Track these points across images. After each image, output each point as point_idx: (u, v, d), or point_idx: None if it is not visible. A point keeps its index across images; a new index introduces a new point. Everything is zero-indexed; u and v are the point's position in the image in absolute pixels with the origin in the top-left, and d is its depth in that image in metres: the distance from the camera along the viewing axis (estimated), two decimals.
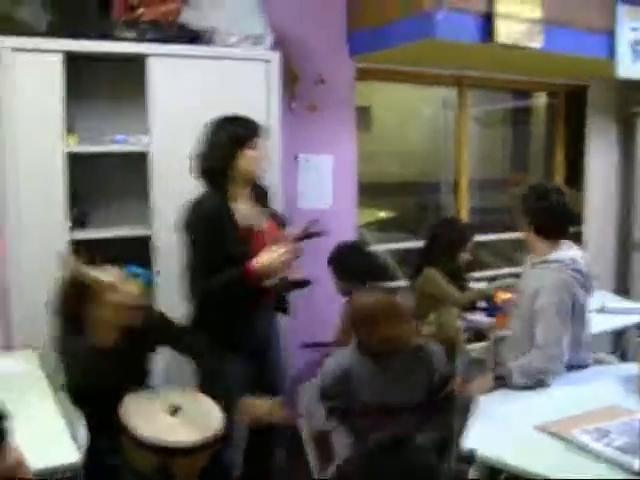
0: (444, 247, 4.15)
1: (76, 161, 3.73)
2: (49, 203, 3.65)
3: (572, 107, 6.21)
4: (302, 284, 3.44)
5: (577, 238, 6.04)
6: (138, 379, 3.10)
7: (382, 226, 6.15)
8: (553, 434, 2.60)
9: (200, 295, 3.25)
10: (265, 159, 3.44)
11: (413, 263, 4.46)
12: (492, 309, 4.26)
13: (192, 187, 3.86)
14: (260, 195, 3.52)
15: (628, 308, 4.78)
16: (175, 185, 3.82)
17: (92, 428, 2.84)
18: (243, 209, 3.36)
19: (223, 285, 3.18)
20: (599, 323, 4.01)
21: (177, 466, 2.75)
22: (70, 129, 3.72)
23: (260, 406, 3.10)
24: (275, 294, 3.45)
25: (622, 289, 6.07)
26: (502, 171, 6.96)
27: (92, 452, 2.77)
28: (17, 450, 1.76)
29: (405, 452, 3.00)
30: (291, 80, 4.51)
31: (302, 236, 3.42)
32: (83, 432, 2.72)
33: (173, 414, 2.87)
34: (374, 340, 3.00)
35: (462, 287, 4.21)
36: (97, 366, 2.81)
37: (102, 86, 3.98)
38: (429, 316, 4.06)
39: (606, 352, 4.40)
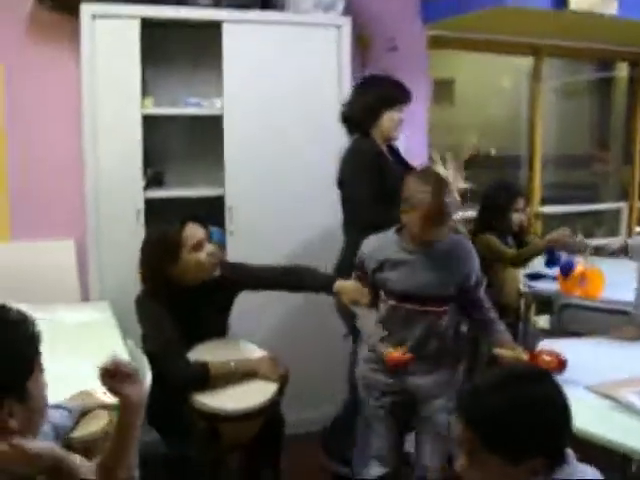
0: (493, 211, 4.15)
1: (152, 123, 3.89)
2: (126, 163, 3.82)
3: None
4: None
5: None
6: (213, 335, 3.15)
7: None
8: (603, 394, 2.63)
9: (377, 220, 3.26)
10: (402, 123, 3.64)
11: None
12: (553, 260, 4.10)
13: (264, 149, 4.01)
14: (393, 151, 3.73)
15: None
16: (247, 147, 3.99)
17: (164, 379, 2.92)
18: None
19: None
20: None
21: (224, 431, 2.85)
22: (146, 92, 3.87)
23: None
24: None
25: None
26: (582, 145, 6.85)
27: (163, 403, 2.89)
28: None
29: None
30: (363, 46, 4.56)
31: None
32: (148, 376, 2.86)
33: (236, 377, 2.93)
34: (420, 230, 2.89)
35: (521, 247, 4.17)
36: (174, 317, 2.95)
37: (178, 51, 4.12)
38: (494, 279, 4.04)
39: None
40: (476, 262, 3.03)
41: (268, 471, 3.20)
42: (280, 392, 2.96)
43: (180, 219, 3.04)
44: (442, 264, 2.94)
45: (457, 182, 3.32)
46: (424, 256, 2.93)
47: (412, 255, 2.94)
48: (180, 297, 3.00)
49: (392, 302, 2.97)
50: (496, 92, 6.34)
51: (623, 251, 3.59)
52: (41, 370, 1.69)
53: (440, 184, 2.86)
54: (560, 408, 1.72)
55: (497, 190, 4.23)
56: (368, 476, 3.05)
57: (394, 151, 3.72)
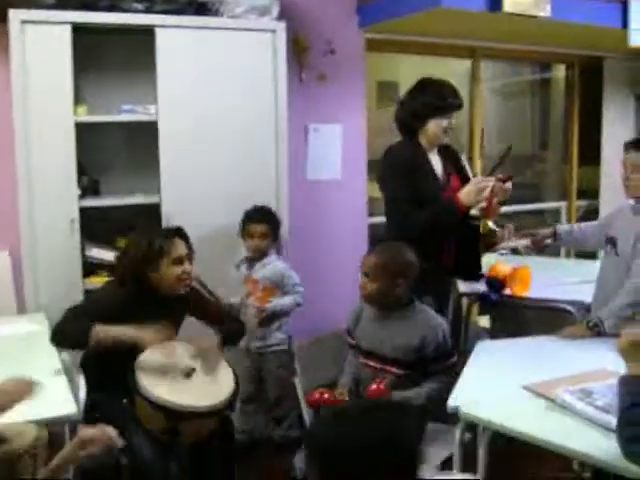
0: None
1: (87, 131, 3.82)
2: (60, 171, 3.74)
3: (589, 80, 6.17)
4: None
5: (594, 212, 6.05)
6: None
7: None
8: (539, 394, 2.65)
9: (414, 227, 3.38)
10: (451, 131, 3.62)
11: None
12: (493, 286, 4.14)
13: (199, 155, 3.98)
14: (449, 155, 3.72)
15: None
16: (182, 154, 3.96)
17: (106, 382, 2.96)
18: (434, 161, 3.61)
19: (436, 213, 3.39)
20: None
21: (185, 428, 2.83)
22: (79, 100, 3.81)
23: None
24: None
25: None
26: (524, 145, 6.94)
27: (100, 405, 2.92)
28: None
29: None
30: (300, 50, 4.56)
31: (495, 167, 3.49)
32: (83, 388, 2.83)
33: (187, 376, 2.94)
34: (393, 292, 3.05)
35: None
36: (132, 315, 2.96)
37: (111, 57, 4.06)
38: None
39: None
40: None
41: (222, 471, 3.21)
42: (235, 393, 2.97)
43: (167, 231, 3.15)
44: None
45: (478, 184, 3.37)
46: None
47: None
48: (144, 299, 3.04)
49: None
50: None
51: (552, 236, 3.67)
52: None
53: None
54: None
55: None
56: None
57: (452, 159, 3.72)
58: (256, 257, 3.92)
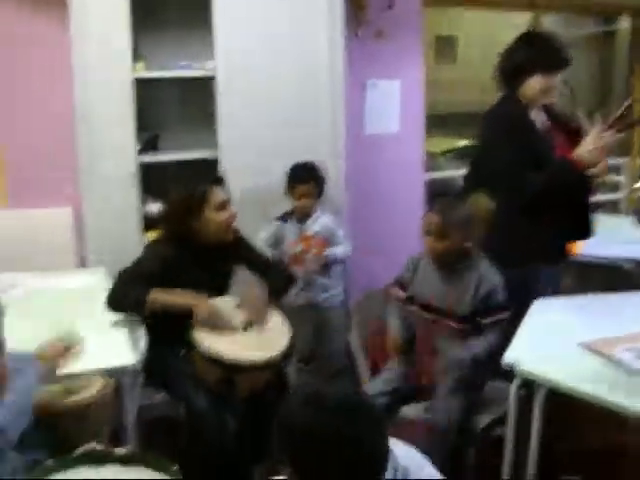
0: None
1: (144, 87, 3.86)
2: (119, 127, 3.79)
3: None
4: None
5: None
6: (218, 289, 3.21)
7: (462, 154, 6.11)
8: (595, 352, 2.64)
9: (530, 191, 3.19)
10: (555, 90, 3.36)
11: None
12: None
13: (256, 111, 3.99)
14: (549, 111, 3.47)
15: None
16: (240, 108, 3.96)
17: (163, 336, 3.03)
18: (538, 121, 3.38)
19: (553, 175, 3.19)
20: None
21: (240, 380, 2.92)
22: (138, 56, 3.84)
23: None
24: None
25: None
26: (583, 101, 6.77)
27: (159, 358, 3.00)
28: None
29: None
30: (357, 7, 4.50)
31: (621, 126, 3.29)
32: (143, 340, 2.90)
33: (245, 329, 3.02)
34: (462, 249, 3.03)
35: None
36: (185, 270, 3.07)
37: (168, 13, 4.07)
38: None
39: None
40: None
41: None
42: (292, 346, 3.03)
43: (205, 180, 3.20)
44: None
45: (599, 141, 3.14)
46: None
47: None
48: (191, 253, 3.11)
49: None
50: (498, 49, 6.25)
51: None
52: None
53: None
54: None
55: None
56: None
57: (552, 115, 3.48)
58: (303, 215, 3.94)
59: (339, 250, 3.96)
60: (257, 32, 3.97)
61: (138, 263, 3.12)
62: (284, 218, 3.96)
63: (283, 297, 3.39)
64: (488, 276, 3.02)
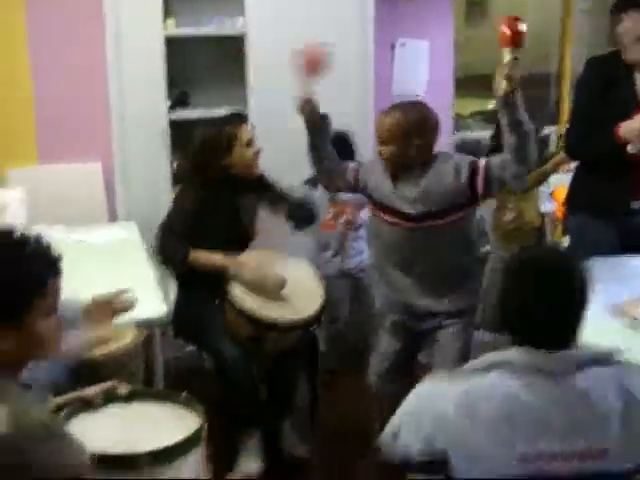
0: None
1: (176, 44, 3.89)
2: (150, 84, 3.84)
3: None
4: None
5: None
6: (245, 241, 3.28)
7: (491, 115, 6.07)
8: (623, 312, 2.64)
9: (569, 144, 3.30)
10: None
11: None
12: None
13: (285, 69, 3.97)
14: None
15: None
16: (269, 66, 3.96)
17: (197, 287, 3.11)
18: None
19: (593, 138, 3.16)
20: None
21: (271, 338, 2.98)
22: (169, 13, 3.85)
23: None
24: None
25: None
26: None
27: (191, 310, 3.09)
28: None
29: None
30: None
31: None
32: (174, 293, 2.95)
33: (281, 288, 3.03)
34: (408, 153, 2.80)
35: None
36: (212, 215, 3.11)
37: None
38: (508, 202, 4.05)
39: None
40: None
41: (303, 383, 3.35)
42: (324, 307, 3.06)
43: (231, 118, 3.27)
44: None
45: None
46: None
47: None
48: (221, 191, 3.16)
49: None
50: (530, 9, 6.19)
51: None
52: (48, 307, 1.58)
53: None
54: None
55: None
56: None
57: None
58: None
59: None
60: None
61: (174, 215, 3.16)
62: (314, 182, 3.90)
63: (305, 228, 3.42)
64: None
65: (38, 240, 1.58)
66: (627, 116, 3.08)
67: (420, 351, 3.09)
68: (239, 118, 3.27)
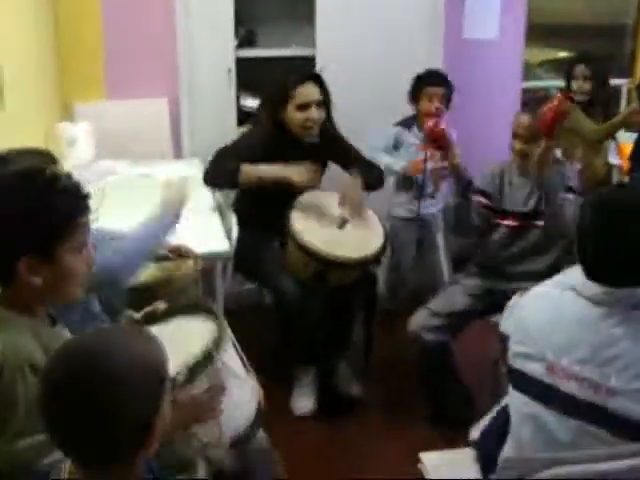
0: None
1: None
2: (217, 22, 3.84)
3: None
4: None
5: None
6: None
7: (560, 65, 5.92)
8: None
9: None
10: None
11: None
12: None
13: (355, 11, 3.94)
14: None
15: None
16: (339, 6, 3.94)
17: (258, 223, 3.16)
18: None
19: None
20: None
21: (332, 275, 3.02)
22: None
23: None
24: None
25: None
26: None
27: (252, 246, 3.13)
28: None
29: None
30: None
31: None
32: (235, 227, 2.99)
33: (341, 226, 3.09)
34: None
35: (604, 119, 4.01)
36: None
37: None
38: (576, 154, 3.95)
39: None
40: None
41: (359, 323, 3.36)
42: (384, 247, 3.09)
43: (302, 75, 3.18)
44: None
45: None
46: None
47: None
48: (283, 141, 3.15)
49: None
50: None
51: None
52: (78, 242, 1.62)
53: None
54: None
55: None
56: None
57: None
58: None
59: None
60: None
61: (235, 143, 3.20)
62: (407, 124, 3.81)
63: (375, 190, 3.36)
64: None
65: (68, 177, 1.63)
66: None
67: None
68: (308, 77, 3.18)
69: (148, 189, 3.33)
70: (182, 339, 1.87)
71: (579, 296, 1.80)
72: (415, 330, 3.00)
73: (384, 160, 3.60)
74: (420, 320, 3.01)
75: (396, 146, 3.78)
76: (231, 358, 1.88)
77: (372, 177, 3.30)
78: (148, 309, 2.03)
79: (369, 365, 3.43)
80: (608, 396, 1.72)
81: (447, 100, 3.75)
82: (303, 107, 3.10)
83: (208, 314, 1.92)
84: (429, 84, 3.71)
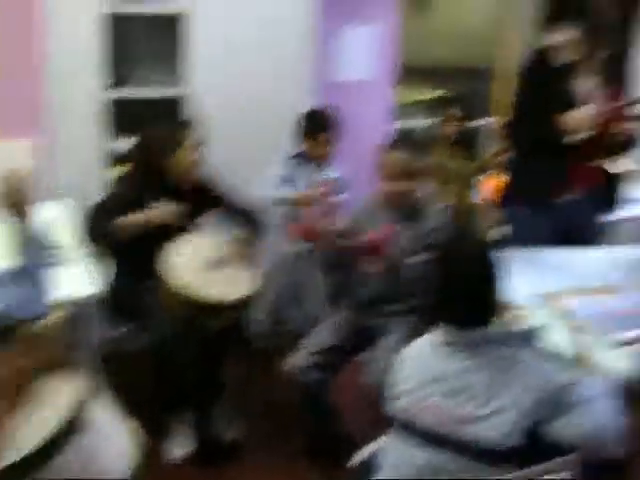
0: None
1: (115, 22, 3.79)
2: (87, 62, 3.76)
3: None
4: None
5: None
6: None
7: (431, 106, 6.10)
8: (548, 301, 2.72)
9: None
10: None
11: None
12: None
13: (225, 53, 3.94)
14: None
15: None
16: (211, 48, 3.95)
17: (133, 266, 3.11)
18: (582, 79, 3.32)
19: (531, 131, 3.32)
20: None
21: (206, 317, 2.98)
22: None
23: None
24: None
25: None
26: None
27: (126, 289, 3.09)
28: None
29: None
30: None
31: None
32: (108, 272, 2.92)
33: (215, 268, 3.07)
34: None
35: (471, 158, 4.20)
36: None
37: None
38: (446, 188, 4.12)
39: None
40: None
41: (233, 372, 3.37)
42: (259, 290, 3.11)
43: (179, 121, 3.35)
44: None
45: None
46: None
47: None
48: (162, 191, 3.15)
49: None
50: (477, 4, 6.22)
51: None
52: None
53: None
54: None
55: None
56: None
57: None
58: (321, 161, 3.89)
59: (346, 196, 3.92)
60: None
61: (108, 198, 3.18)
62: (299, 159, 3.90)
63: (255, 242, 3.37)
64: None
65: None
66: (568, 108, 3.19)
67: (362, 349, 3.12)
68: (185, 122, 3.28)
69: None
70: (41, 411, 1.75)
71: (434, 338, 2.04)
72: (292, 370, 3.02)
73: (278, 192, 3.68)
74: (297, 360, 3.03)
75: (290, 179, 3.84)
76: (103, 410, 1.81)
77: (250, 224, 3.34)
78: None
79: (248, 407, 3.39)
80: (462, 424, 1.90)
81: (332, 141, 3.86)
82: (193, 148, 3.16)
83: (73, 371, 1.85)
84: (318, 128, 3.76)
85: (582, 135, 3.15)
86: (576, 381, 1.97)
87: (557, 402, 1.91)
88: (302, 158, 3.90)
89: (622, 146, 3.23)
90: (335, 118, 3.87)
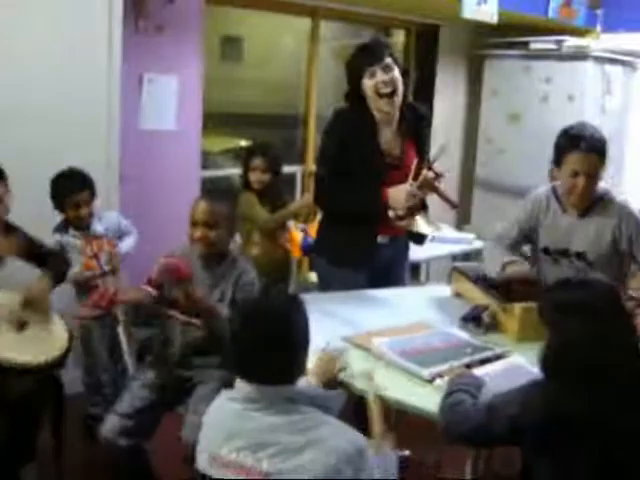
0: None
1: None
2: None
3: (425, 47, 6.34)
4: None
5: None
6: None
7: (239, 154, 6.17)
8: (357, 345, 2.75)
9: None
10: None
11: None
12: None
13: (23, 103, 3.77)
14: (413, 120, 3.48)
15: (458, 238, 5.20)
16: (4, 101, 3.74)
17: None
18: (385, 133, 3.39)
19: (357, 203, 3.30)
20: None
21: (10, 381, 2.83)
22: None
23: None
24: None
25: (464, 223, 6.40)
26: None
27: None
28: None
29: None
30: None
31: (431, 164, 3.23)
32: None
33: (19, 330, 2.91)
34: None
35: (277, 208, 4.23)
36: None
37: None
38: (253, 237, 4.14)
39: None
40: None
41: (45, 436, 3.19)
42: (67, 350, 2.97)
43: None
44: None
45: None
46: None
47: None
48: None
49: None
50: (281, 51, 6.39)
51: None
52: None
53: None
54: None
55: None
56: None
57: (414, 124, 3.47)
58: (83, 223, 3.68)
59: (130, 240, 3.83)
60: (26, 18, 3.75)
61: None
62: (63, 228, 3.69)
63: (60, 284, 3.25)
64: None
65: None
66: (372, 169, 3.28)
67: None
68: None
69: None
70: None
71: (237, 394, 2.03)
72: (105, 436, 2.92)
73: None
74: (109, 425, 2.93)
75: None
76: None
77: (59, 269, 3.23)
78: None
79: (62, 473, 3.24)
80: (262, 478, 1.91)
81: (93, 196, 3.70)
82: None
83: None
84: (71, 191, 3.60)
85: (400, 211, 3.20)
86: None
87: (357, 468, 1.94)
88: (68, 225, 3.69)
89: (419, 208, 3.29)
90: (86, 174, 3.67)
